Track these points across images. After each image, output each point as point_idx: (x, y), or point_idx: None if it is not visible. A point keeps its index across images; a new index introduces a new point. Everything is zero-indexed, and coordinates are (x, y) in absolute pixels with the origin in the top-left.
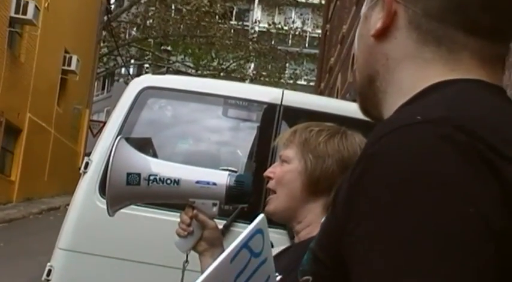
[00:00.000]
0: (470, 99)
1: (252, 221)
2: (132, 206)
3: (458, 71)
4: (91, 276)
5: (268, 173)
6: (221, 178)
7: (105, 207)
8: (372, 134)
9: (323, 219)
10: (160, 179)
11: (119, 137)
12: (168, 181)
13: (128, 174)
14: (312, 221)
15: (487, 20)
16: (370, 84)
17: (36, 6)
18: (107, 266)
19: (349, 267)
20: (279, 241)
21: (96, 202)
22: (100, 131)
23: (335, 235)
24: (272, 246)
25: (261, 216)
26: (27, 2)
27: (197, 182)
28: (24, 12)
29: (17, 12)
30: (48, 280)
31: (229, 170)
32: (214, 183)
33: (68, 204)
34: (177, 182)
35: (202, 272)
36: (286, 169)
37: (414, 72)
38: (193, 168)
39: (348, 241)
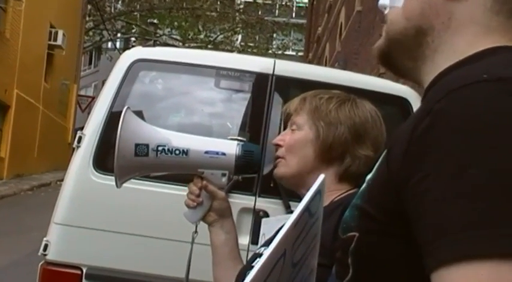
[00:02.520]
0: None
1: (246, 191)
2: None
3: None
4: (87, 250)
5: (277, 140)
6: (230, 148)
7: (99, 180)
8: (433, 90)
9: (369, 176)
10: (168, 149)
11: (125, 108)
12: (177, 152)
13: (136, 145)
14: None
15: None
16: (417, 36)
17: None
18: (103, 239)
19: (412, 219)
20: (275, 211)
21: (91, 176)
22: (88, 105)
23: (391, 190)
24: (268, 216)
25: (322, 176)
26: None
27: (206, 152)
28: None
29: None
30: (45, 255)
31: (238, 140)
32: (224, 153)
33: (59, 180)
34: (185, 152)
35: (212, 243)
36: (297, 137)
37: (473, 38)
38: (202, 138)
39: (413, 193)
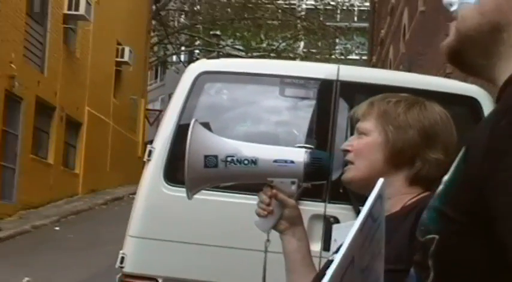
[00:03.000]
0: None
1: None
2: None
3: None
4: (162, 262)
5: (345, 146)
6: (298, 156)
7: (170, 193)
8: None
9: (446, 177)
10: (237, 159)
11: (193, 120)
12: (246, 161)
13: (205, 156)
14: (394, 193)
15: None
16: (492, 32)
17: (87, 1)
18: (177, 250)
19: (495, 216)
20: (346, 217)
21: (162, 189)
22: (156, 119)
23: (471, 189)
24: (338, 222)
25: (381, 180)
26: None
27: (275, 161)
28: (77, 8)
29: (70, 8)
30: (122, 267)
31: (306, 147)
32: (292, 161)
33: (131, 194)
34: (254, 162)
35: (284, 251)
36: (365, 141)
37: None
38: (270, 147)
39: (497, 190)
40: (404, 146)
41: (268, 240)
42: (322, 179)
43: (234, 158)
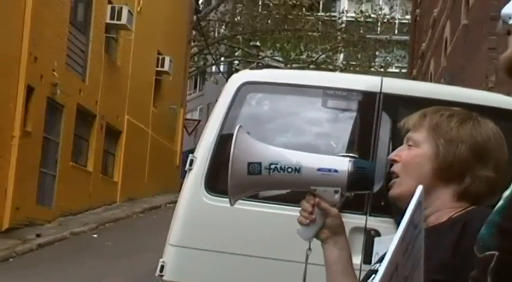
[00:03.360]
0: None
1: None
2: (241, 201)
3: None
4: (202, 271)
5: (393, 156)
6: (342, 165)
7: (211, 202)
8: None
9: (507, 193)
10: (281, 167)
11: (238, 126)
12: (289, 169)
13: (249, 163)
14: (441, 207)
15: None
16: None
17: (129, 11)
18: (217, 260)
19: None
20: (386, 230)
21: (203, 198)
22: (195, 129)
23: None
24: (379, 235)
25: (420, 187)
26: (121, 8)
27: (318, 170)
28: (119, 18)
29: (112, 18)
30: (162, 276)
31: (350, 156)
32: (336, 170)
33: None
34: (298, 170)
35: (325, 260)
36: (415, 153)
37: None
38: (313, 155)
39: None
40: (455, 161)
41: (309, 249)
42: (365, 188)
43: (278, 166)
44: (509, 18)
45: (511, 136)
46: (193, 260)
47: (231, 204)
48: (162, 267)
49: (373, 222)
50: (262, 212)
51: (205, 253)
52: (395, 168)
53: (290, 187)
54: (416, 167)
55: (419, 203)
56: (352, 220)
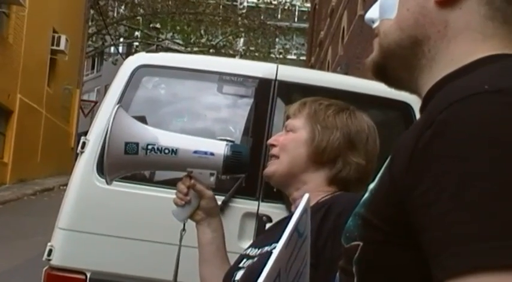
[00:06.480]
0: None
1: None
2: (131, 185)
3: (511, 48)
4: (91, 255)
5: (272, 140)
6: (219, 148)
7: (103, 186)
8: (434, 100)
9: (372, 185)
10: (158, 148)
11: (117, 106)
12: (166, 151)
13: (126, 143)
14: (311, 189)
15: None
16: (413, 47)
17: None
18: (107, 244)
19: (418, 231)
20: (278, 216)
21: (95, 181)
22: (91, 110)
23: (394, 200)
24: (271, 221)
25: (307, 195)
26: None
27: (195, 152)
28: None
29: None
30: (50, 260)
31: (227, 140)
32: (212, 153)
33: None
34: (174, 151)
35: (199, 241)
36: (292, 137)
37: (470, 46)
38: (191, 137)
39: (417, 206)
40: (328, 146)
41: (184, 229)
42: (241, 172)
43: (155, 147)
44: (373, 22)
45: (394, 124)
46: (83, 244)
47: (108, 184)
48: (50, 251)
49: (265, 207)
50: (155, 196)
51: (96, 237)
52: (274, 151)
53: (167, 168)
54: (292, 149)
55: (305, 211)
56: (245, 205)
